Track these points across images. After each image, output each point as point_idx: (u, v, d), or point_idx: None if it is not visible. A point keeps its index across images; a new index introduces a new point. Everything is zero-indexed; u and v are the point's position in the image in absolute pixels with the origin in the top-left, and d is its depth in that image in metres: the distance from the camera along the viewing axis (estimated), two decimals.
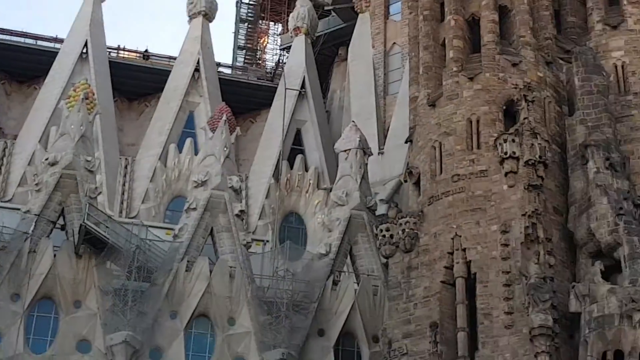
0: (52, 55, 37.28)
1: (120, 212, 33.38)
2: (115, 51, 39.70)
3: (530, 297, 24.11)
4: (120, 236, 28.73)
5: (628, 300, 23.34)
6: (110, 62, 37.89)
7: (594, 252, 25.19)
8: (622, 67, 28.42)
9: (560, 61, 28.88)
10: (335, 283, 29.61)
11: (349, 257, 30.59)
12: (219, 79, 38.31)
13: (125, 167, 34.99)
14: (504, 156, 26.30)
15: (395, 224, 27.19)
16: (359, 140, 32.01)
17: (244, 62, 45.62)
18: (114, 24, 67.71)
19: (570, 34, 29.81)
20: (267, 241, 32.40)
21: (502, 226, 25.61)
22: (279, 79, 38.49)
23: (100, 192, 31.37)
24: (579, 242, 25.52)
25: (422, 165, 27.91)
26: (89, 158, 30.27)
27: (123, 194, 34.22)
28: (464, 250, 25.79)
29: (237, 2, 46.28)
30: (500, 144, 26.50)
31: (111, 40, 39.27)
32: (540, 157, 26.17)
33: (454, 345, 24.88)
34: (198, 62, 37.38)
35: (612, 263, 24.80)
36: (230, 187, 30.42)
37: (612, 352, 23.24)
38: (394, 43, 38.35)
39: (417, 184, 28.04)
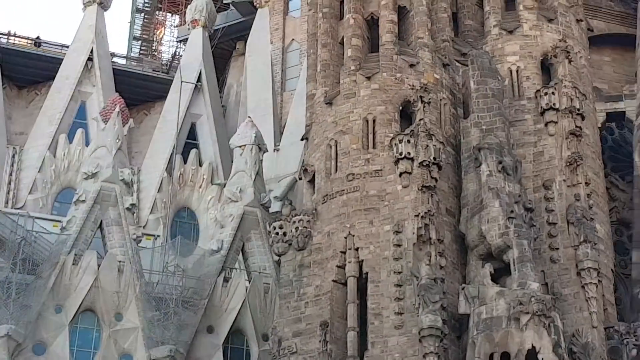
0: None
1: (6, 202, 32.53)
2: (6, 37, 38.62)
3: (421, 297, 24.14)
4: (6, 227, 27.97)
5: (516, 303, 23.50)
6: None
7: (484, 255, 25.33)
8: (517, 71, 28.63)
9: (457, 64, 29.00)
10: (226, 280, 29.27)
11: (241, 254, 30.30)
12: (113, 69, 37.61)
13: (13, 156, 34.09)
14: (399, 156, 26.30)
15: (289, 222, 26.93)
16: (255, 136, 31.72)
17: (140, 53, 44.89)
18: (5, 9, 65.91)
19: (467, 37, 29.96)
20: (158, 236, 31.91)
21: (395, 226, 25.58)
22: (175, 72, 37.94)
23: None
24: (470, 244, 25.65)
25: (317, 164, 27.70)
26: None
27: (10, 183, 33.34)
28: (357, 249, 25.67)
29: None
30: (395, 144, 26.50)
31: (1, 26, 38.24)
32: (434, 158, 26.23)
33: (344, 345, 24.76)
34: (92, 51, 36.62)
35: (502, 266, 24.95)
36: (121, 180, 29.81)
37: (499, 354, 23.37)
38: (293, 39, 38.19)
39: (311, 182, 27.83)
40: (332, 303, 25.36)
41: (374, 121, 27.27)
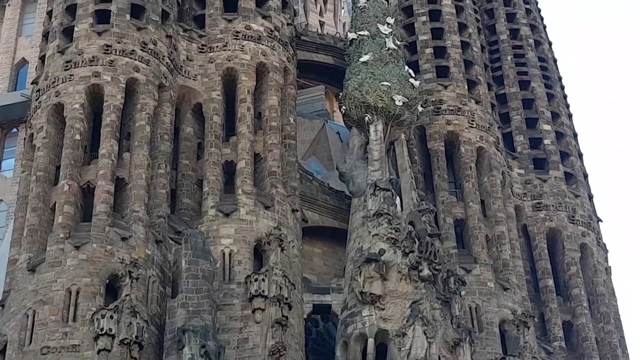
0: None
1: None
2: None
3: None
4: None
5: None
6: None
7: None
8: (230, 255, 28.59)
9: (171, 241, 28.58)
10: None
11: None
12: None
13: None
14: (100, 332, 25.27)
15: None
16: None
17: None
18: None
19: (183, 215, 29.70)
20: None
21: None
22: None
23: None
24: None
25: (11, 333, 26.18)
26: None
27: None
28: None
29: None
30: (97, 319, 25.48)
31: None
32: (137, 337, 25.37)
33: None
34: None
35: None
36: None
37: None
38: (1, 200, 36.60)
39: (2, 352, 26.15)
40: None
41: (77, 293, 26.21)
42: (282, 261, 28.29)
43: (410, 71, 33.82)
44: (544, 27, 41.13)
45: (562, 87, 39.45)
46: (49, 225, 27.86)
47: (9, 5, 40.64)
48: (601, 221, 37.02)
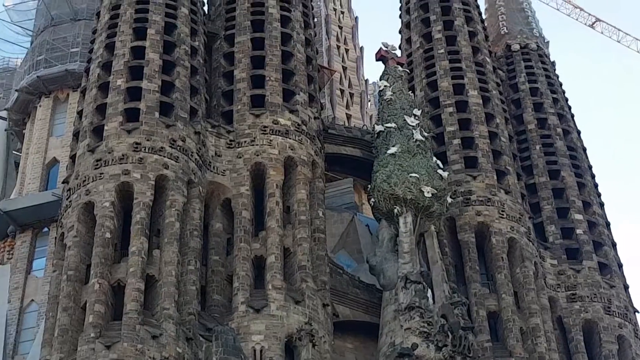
0: None
1: None
2: None
3: None
4: None
5: None
6: None
7: None
8: (261, 351, 28.27)
9: (201, 338, 28.31)
10: None
11: None
12: None
13: None
14: None
15: None
16: None
17: None
18: None
19: (214, 311, 29.50)
20: None
21: None
22: None
23: None
24: None
25: None
26: None
27: None
28: None
29: None
30: None
31: None
32: None
33: None
34: None
35: None
36: None
37: None
38: (32, 300, 36.55)
39: None
40: None
41: None
42: (313, 357, 28.09)
43: (439, 162, 33.84)
44: (572, 115, 41.22)
45: (593, 176, 39.35)
46: (79, 324, 27.66)
47: (40, 106, 41.29)
48: (638, 312, 36.45)
